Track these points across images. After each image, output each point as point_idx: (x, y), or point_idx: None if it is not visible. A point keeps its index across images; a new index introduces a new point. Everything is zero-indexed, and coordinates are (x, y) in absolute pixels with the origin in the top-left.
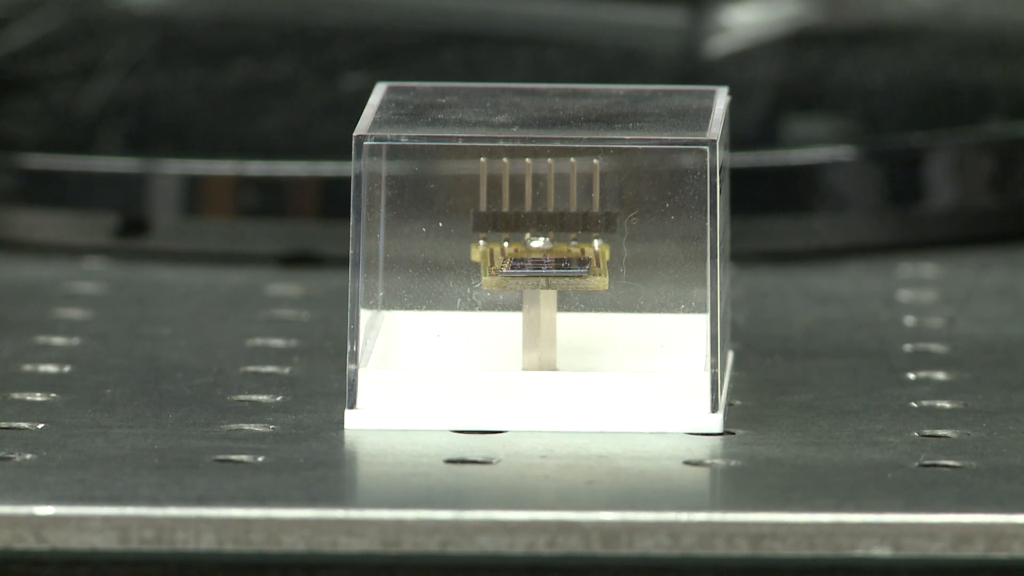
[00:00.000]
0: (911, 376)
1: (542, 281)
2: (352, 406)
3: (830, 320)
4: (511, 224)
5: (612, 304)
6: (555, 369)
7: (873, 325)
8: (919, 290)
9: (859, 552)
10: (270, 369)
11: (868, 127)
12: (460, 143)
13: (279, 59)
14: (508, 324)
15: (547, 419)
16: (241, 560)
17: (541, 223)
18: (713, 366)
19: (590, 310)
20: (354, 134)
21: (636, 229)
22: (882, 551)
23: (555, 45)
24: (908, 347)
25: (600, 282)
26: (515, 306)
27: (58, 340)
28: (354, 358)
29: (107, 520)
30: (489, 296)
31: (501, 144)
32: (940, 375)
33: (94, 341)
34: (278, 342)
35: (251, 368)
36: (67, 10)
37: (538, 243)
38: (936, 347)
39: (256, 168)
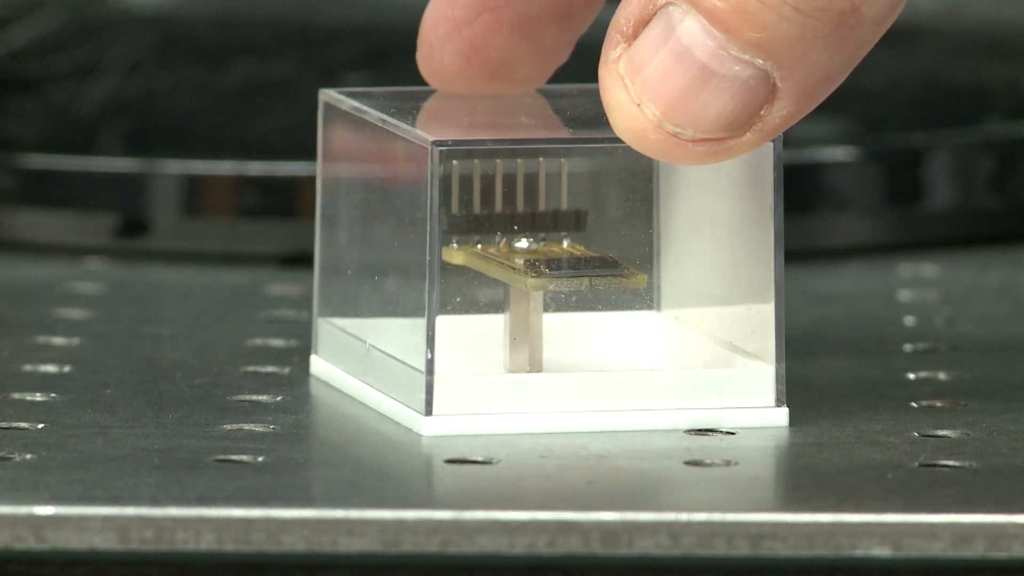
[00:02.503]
0: (911, 376)
1: (585, 281)
2: (429, 413)
3: (830, 320)
4: (484, 226)
5: (614, 303)
6: (541, 370)
7: (873, 325)
8: (919, 290)
9: (859, 552)
10: (270, 369)
11: (868, 127)
12: (544, 146)
13: (279, 59)
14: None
15: (621, 419)
16: (241, 560)
17: (514, 223)
18: (778, 360)
19: (575, 310)
20: (431, 139)
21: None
22: (882, 551)
23: None
24: (908, 347)
25: (640, 280)
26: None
27: (58, 340)
28: (431, 366)
29: (107, 520)
30: (490, 298)
31: (579, 146)
32: (940, 375)
33: (94, 341)
34: (278, 342)
35: (251, 368)
36: (67, 10)
37: (522, 244)
38: (936, 347)
39: (256, 168)
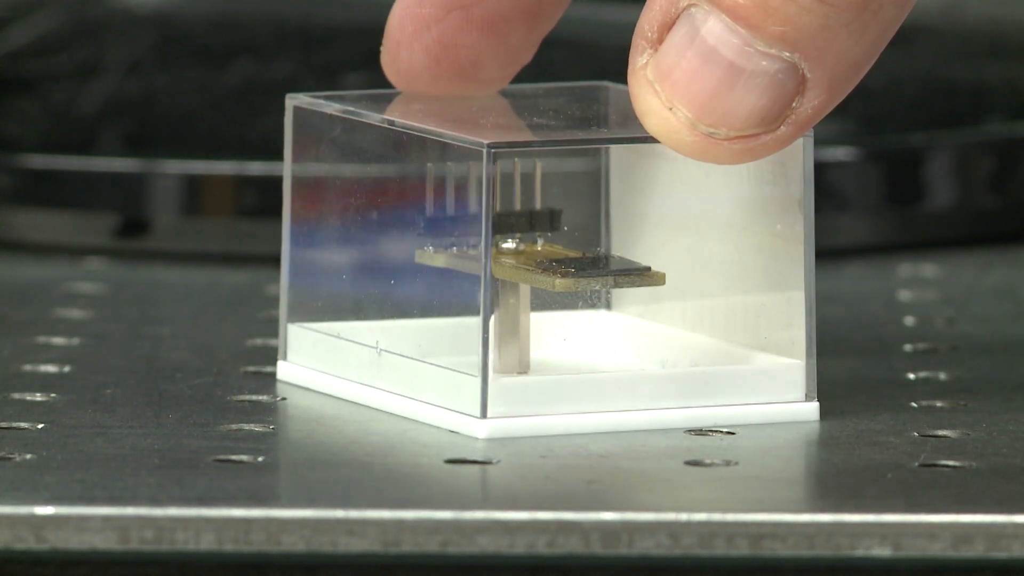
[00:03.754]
0: (911, 376)
1: (610, 280)
2: (484, 416)
3: (830, 320)
4: (459, 228)
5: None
6: (529, 370)
7: (873, 325)
8: (919, 290)
9: (859, 552)
10: (270, 369)
11: (868, 127)
12: (596, 146)
13: (279, 59)
14: (572, 323)
15: (662, 416)
16: (241, 560)
17: (489, 224)
18: (809, 355)
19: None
20: (486, 143)
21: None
22: (882, 551)
23: (555, 45)
24: (908, 347)
25: (660, 278)
26: (558, 306)
27: (58, 340)
28: (486, 369)
29: (107, 520)
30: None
31: (630, 144)
32: (940, 375)
33: (94, 341)
34: (278, 342)
35: (251, 368)
36: (67, 10)
37: (508, 244)
38: (936, 347)
39: (256, 168)
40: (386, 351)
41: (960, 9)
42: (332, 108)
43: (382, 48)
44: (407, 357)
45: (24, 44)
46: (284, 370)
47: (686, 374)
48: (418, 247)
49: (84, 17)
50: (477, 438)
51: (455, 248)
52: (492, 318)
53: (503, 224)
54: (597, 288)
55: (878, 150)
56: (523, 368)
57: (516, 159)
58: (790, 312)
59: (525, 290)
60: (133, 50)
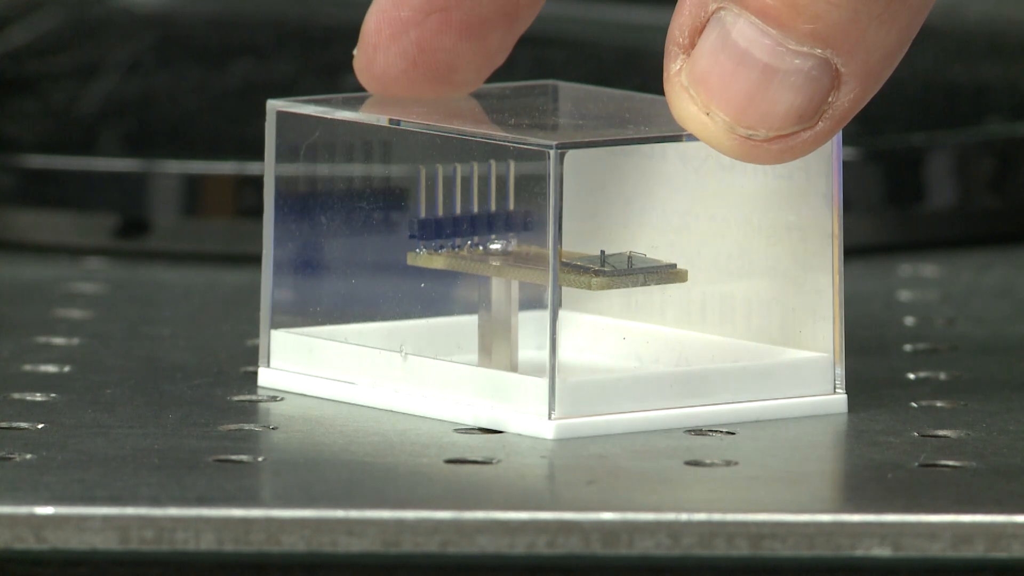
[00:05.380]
0: (911, 376)
1: (640, 278)
2: (551, 417)
3: None
4: (449, 229)
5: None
6: (517, 370)
7: (873, 325)
8: (919, 290)
9: (859, 552)
10: None
11: (868, 127)
12: (654, 144)
13: (279, 59)
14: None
15: (699, 413)
16: (241, 560)
17: (475, 226)
18: (838, 346)
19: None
20: (554, 143)
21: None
22: (882, 551)
23: (555, 45)
24: (908, 347)
25: (683, 275)
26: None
27: (58, 340)
28: (553, 368)
29: (107, 520)
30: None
31: (685, 143)
32: (940, 375)
33: (94, 341)
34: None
35: (251, 368)
36: (67, 10)
37: (496, 246)
38: (936, 347)
39: (256, 168)
40: (410, 355)
41: (960, 9)
42: (336, 113)
43: (356, 52)
44: (442, 359)
45: (24, 44)
46: (270, 377)
47: (733, 370)
48: (409, 249)
49: (84, 17)
50: (546, 439)
51: (445, 249)
52: (484, 319)
53: (487, 224)
54: (629, 287)
55: (878, 150)
56: (512, 367)
57: (558, 160)
58: (817, 305)
59: (515, 289)
60: (133, 50)
